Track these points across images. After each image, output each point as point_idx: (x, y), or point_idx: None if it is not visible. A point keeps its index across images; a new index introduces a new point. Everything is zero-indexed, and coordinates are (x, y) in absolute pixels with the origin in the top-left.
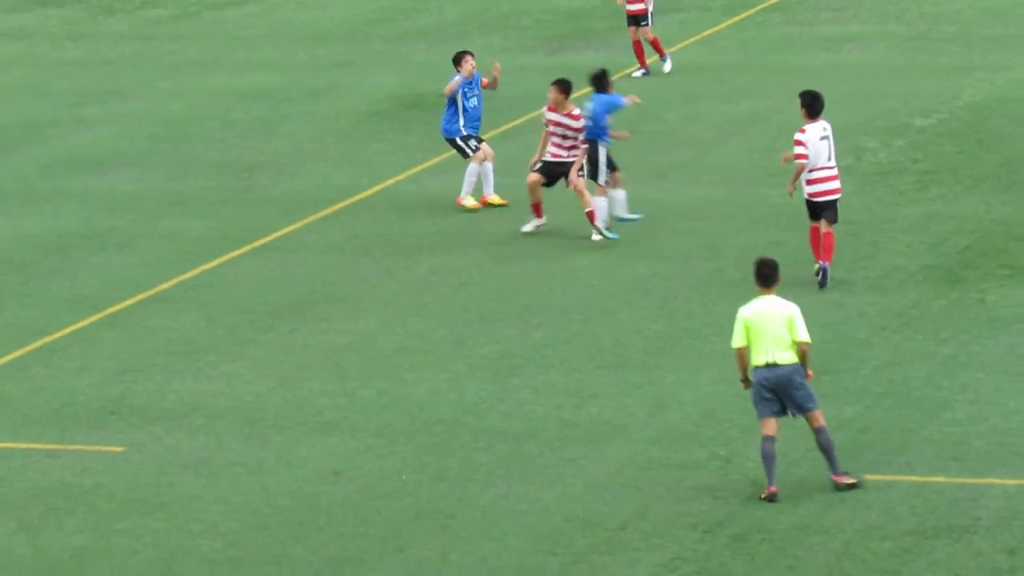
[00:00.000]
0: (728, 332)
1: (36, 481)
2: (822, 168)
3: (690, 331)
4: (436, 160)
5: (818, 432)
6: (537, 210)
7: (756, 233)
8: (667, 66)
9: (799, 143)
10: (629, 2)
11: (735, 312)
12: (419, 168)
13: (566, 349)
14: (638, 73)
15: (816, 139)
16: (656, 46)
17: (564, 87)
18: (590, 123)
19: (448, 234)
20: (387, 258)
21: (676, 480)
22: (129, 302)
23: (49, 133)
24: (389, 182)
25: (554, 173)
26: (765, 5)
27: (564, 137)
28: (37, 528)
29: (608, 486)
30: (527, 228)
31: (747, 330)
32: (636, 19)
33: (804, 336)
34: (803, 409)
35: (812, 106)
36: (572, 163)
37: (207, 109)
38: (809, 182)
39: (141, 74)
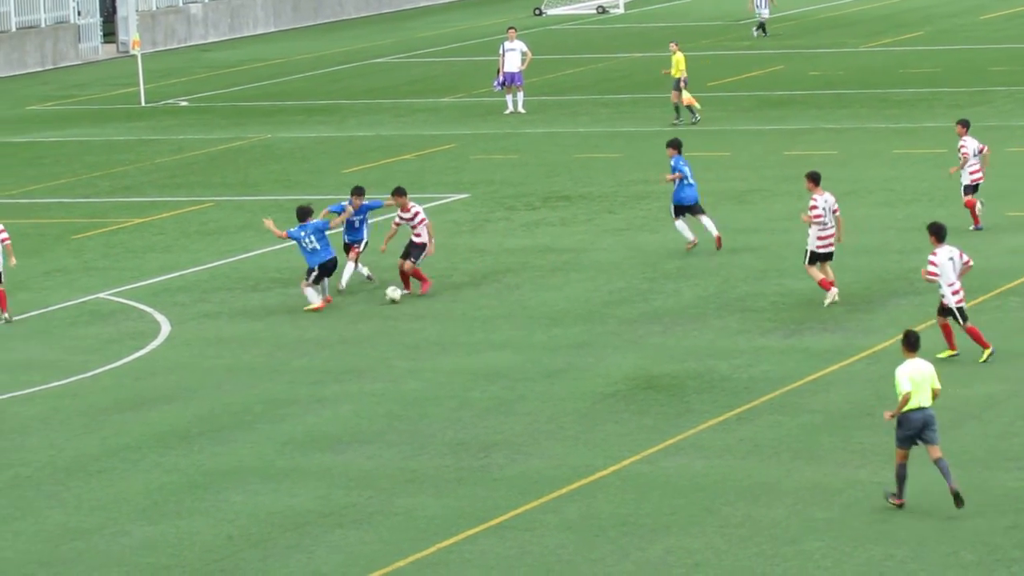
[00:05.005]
0: None
1: None
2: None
3: None
4: (671, 441)
5: None
6: None
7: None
8: None
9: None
10: None
11: None
12: (654, 449)
13: None
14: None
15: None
16: None
17: None
18: None
19: (683, 515)
20: (622, 538)
21: None
22: None
23: (288, 411)
24: (624, 463)
25: None
26: (1003, 288)
27: None
28: None
29: None
30: None
31: None
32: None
33: None
34: None
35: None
36: None
37: (445, 388)
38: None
39: (380, 353)
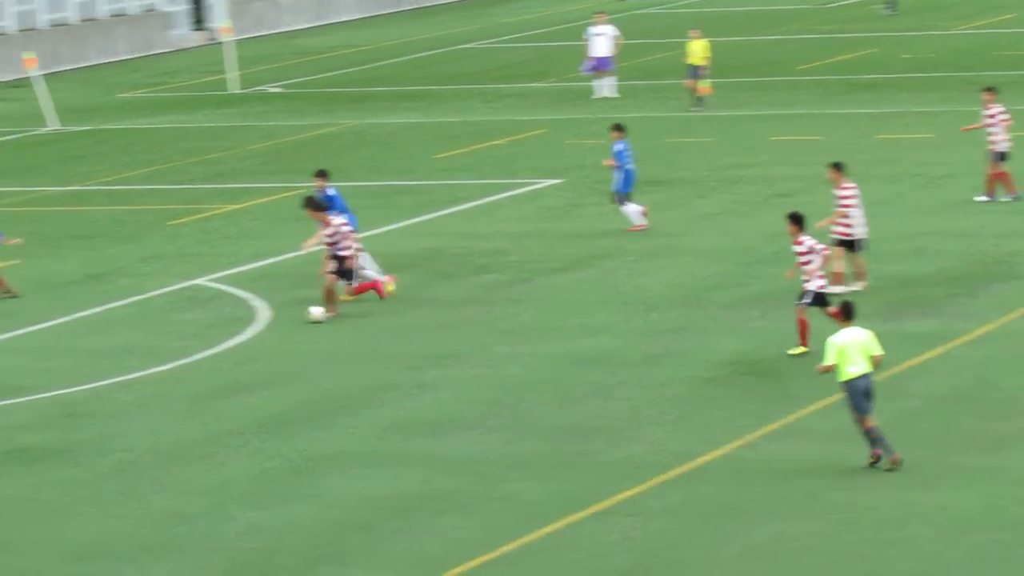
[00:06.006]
0: None
1: None
2: None
3: None
4: (773, 426)
5: None
6: None
7: None
8: None
9: None
10: None
11: None
12: (757, 434)
13: None
14: None
15: None
16: None
17: None
18: None
19: (787, 500)
20: (726, 524)
21: None
22: (471, 564)
23: (388, 396)
24: (727, 448)
25: None
26: None
27: None
28: None
29: None
30: None
31: None
32: None
33: None
34: None
35: None
36: None
37: (544, 374)
38: None
39: (478, 338)
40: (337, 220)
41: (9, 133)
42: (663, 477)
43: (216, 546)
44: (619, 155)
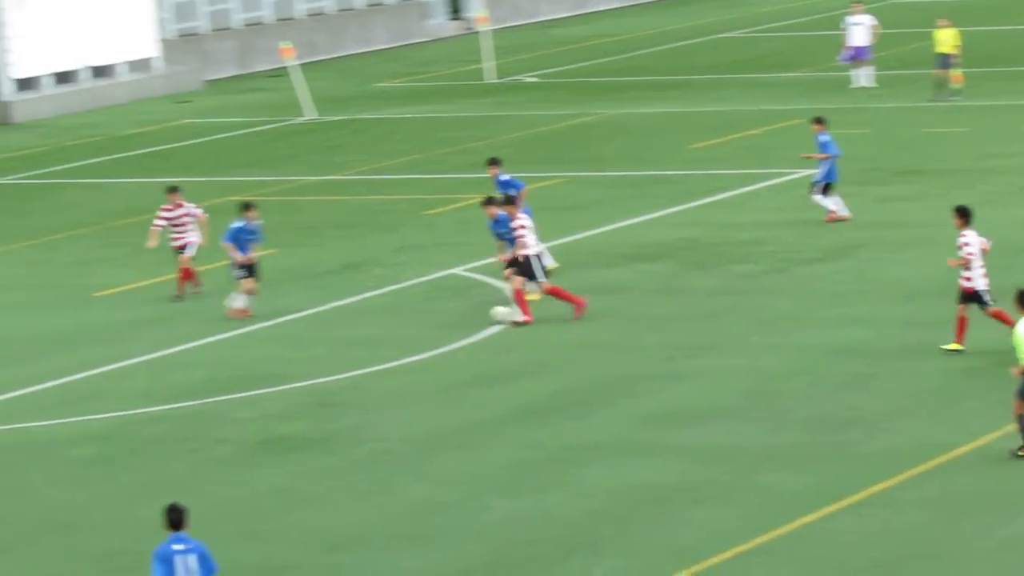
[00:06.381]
0: None
1: None
2: None
3: None
4: None
5: None
6: None
7: None
8: None
9: None
10: None
11: None
12: (1014, 425)
13: None
14: None
15: None
16: None
17: None
18: None
19: None
20: (984, 516)
21: None
22: (726, 555)
23: (644, 386)
24: (984, 439)
25: None
26: None
27: None
28: None
29: None
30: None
31: None
32: None
33: None
34: None
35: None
36: None
37: (801, 364)
38: None
39: (733, 329)
40: (521, 218)
41: (266, 122)
42: (919, 469)
43: (472, 535)
44: (825, 146)
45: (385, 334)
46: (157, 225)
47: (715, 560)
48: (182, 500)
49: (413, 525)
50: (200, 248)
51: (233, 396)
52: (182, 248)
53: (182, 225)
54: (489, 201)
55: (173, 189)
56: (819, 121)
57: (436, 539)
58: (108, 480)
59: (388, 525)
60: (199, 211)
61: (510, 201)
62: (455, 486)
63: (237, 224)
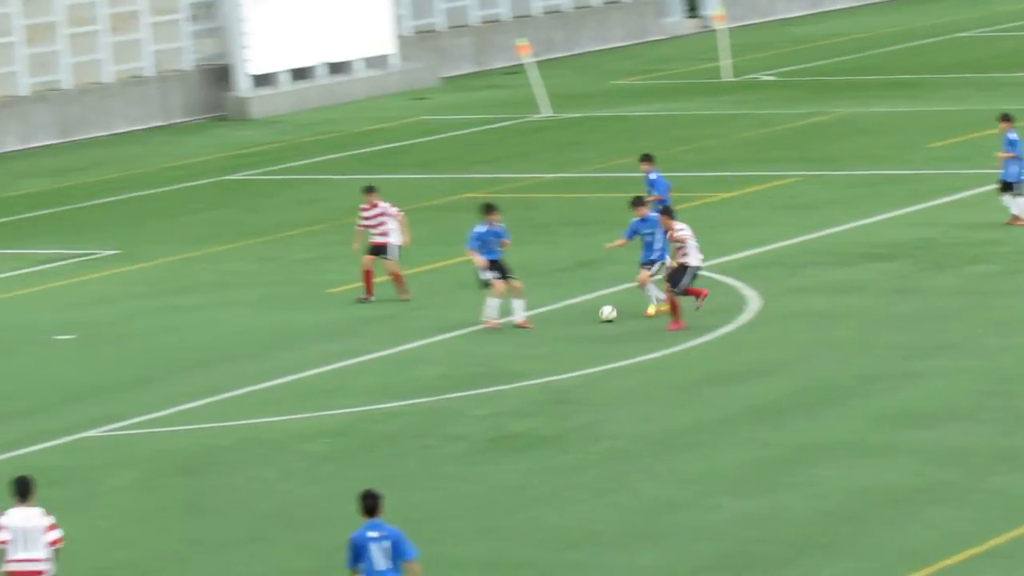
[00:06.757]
0: None
1: None
2: None
3: None
4: None
5: None
6: None
7: None
8: None
9: None
10: None
11: None
12: None
13: None
14: None
15: None
16: None
17: None
18: None
19: None
20: None
21: None
22: (960, 557)
23: (879, 386)
24: None
25: None
26: None
27: None
28: None
29: None
30: None
31: None
32: None
33: None
34: None
35: None
36: None
37: None
38: None
39: (971, 329)
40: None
41: (503, 119)
42: None
43: (703, 535)
44: (1013, 145)
45: (619, 331)
46: (362, 225)
47: (948, 562)
48: (415, 496)
49: (645, 523)
50: (402, 249)
51: (467, 393)
52: (378, 248)
53: (380, 225)
54: (639, 201)
55: (369, 189)
56: (1006, 119)
57: (668, 537)
58: (341, 476)
59: (621, 523)
60: (395, 210)
61: (668, 212)
62: (687, 485)
63: (479, 228)
